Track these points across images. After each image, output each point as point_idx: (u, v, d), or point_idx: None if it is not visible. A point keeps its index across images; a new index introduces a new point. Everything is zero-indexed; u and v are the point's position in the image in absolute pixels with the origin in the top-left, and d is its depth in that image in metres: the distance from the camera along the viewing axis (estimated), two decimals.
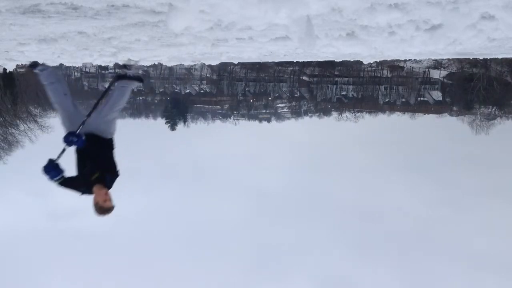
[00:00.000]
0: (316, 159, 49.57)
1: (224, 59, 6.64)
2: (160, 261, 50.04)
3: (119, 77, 4.83)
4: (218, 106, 50.63)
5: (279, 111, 50.21)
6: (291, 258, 51.59)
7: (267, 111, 50.55)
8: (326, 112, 48.28)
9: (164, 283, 49.43)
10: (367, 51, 5.00)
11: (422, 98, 44.94)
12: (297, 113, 49.78)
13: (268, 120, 50.31)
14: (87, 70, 47.18)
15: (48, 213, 62.12)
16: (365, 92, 45.95)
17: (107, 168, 4.22)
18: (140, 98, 49.80)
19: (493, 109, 40.96)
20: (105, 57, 5.13)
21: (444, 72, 42.90)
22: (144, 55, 5.19)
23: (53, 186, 4.17)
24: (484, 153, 47.34)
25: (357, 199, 49.47)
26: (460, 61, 38.38)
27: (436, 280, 45.96)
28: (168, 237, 54.18)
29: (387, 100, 45.66)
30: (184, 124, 48.62)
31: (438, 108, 44.32)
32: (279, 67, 45.53)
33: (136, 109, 50.44)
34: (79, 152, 4.30)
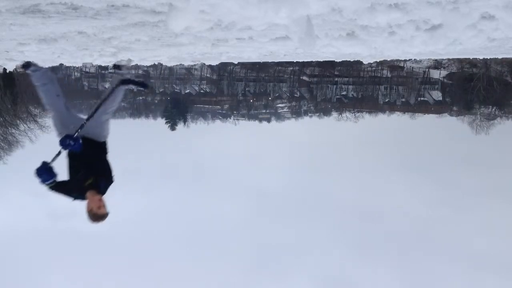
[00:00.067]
0: (316, 159, 49.55)
1: (224, 59, 6.65)
2: (160, 261, 50.02)
3: (124, 82, 4.60)
4: (218, 106, 50.60)
5: (279, 111, 50.16)
6: (291, 258, 51.65)
7: (267, 111, 50.50)
8: (326, 112, 48.24)
9: (164, 283, 49.45)
10: (367, 51, 5.01)
11: (422, 98, 44.91)
12: (297, 113, 49.74)
13: (268, 120, 50.27)
14: (87, 70, 47.15)
15: (48, 213, 61.98)
16: (365, 92, 45.90)
17: (102, 173, 4.05)
18: (140, 98, 49.78)
19: (493, 109, 40.93)
20: (105, 57, 5.13)
21: (444, 72, 42.88)
22: (144, 55, 5.20)
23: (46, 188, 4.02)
24: (484, 153, 47.38)
25: (357, 199, 49.47)
26: (460, 61, 38.36)
27: (436, 280, 45.97)
28: (168, 237, 54.18)
29: (387, 100, 45.62)
30: (184, 124, 48.59)
31: (438, 108, 44.29)
32: (279, 67, 45.49)
33: (136, 109, 50.44)
34: (71, 156, 4.12)
